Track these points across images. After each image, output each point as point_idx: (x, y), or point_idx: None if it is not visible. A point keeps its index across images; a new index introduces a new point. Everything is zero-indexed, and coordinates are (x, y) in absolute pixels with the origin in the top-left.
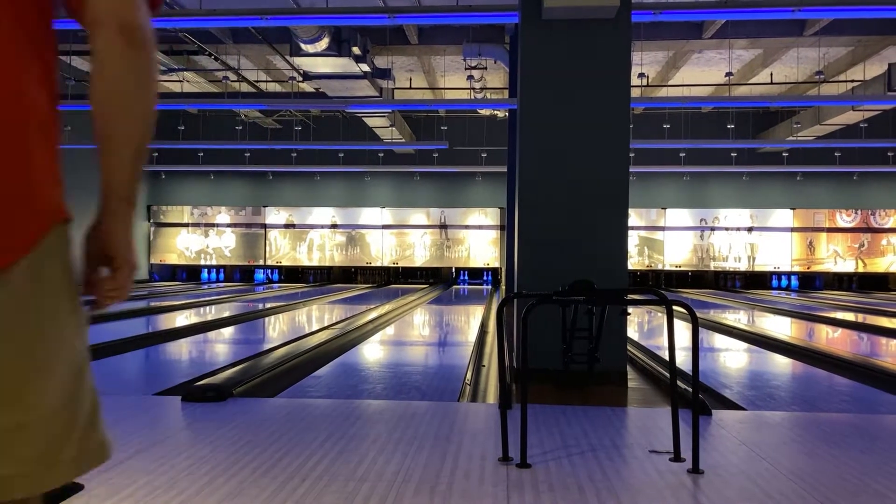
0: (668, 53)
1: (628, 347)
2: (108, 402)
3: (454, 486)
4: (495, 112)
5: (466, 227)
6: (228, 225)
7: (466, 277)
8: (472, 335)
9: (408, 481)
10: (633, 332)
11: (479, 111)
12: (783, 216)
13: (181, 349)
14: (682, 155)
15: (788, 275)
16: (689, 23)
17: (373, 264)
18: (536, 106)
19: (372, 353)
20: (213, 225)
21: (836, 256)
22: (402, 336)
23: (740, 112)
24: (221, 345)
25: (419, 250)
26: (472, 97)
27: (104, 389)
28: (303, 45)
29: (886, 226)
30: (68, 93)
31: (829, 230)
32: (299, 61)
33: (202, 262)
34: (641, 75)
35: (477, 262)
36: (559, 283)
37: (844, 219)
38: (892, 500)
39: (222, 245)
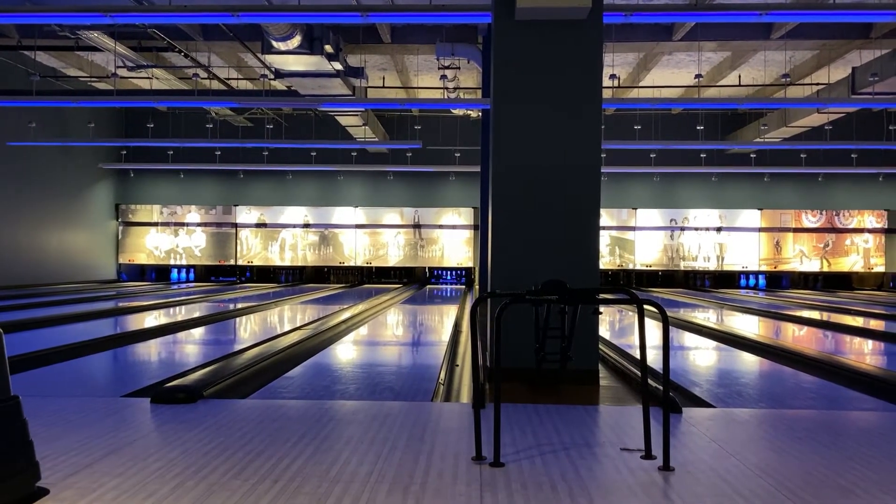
0: (639, 55)
1: (600, 346)
2: (75, 405)
3: (427, 485)
4: (469, 112)
5: (440, 226)
6: (199, 224)
7: (446, 276)
8: (446, 335)
9: (381, 481)
10: (604, 331)
11: (453, 111)
12: (751, 216)
13: (150, 350)
14: (652, 156)
15: (756, 274)
16: (659, 25)
17: (346, 264)
18: (509, 105)
19: (345, 353)
20: (182, 224)
21: (801, 256)
22: (376, 336)
23: (709, 114)
24: (192, 346)
25: (393, 250)
26: (446, 97)
27: (72, 391)
28: (274, 43)
29: (850, 226)
30: (33, 89)
31: (795, 230)
32: (271, 59)
33: (172, 262)
34: (613, 76)
35: (450, 261)
36: (532, 282)
37: (810, 219)
38: (857, 494)
39: (192, 244)
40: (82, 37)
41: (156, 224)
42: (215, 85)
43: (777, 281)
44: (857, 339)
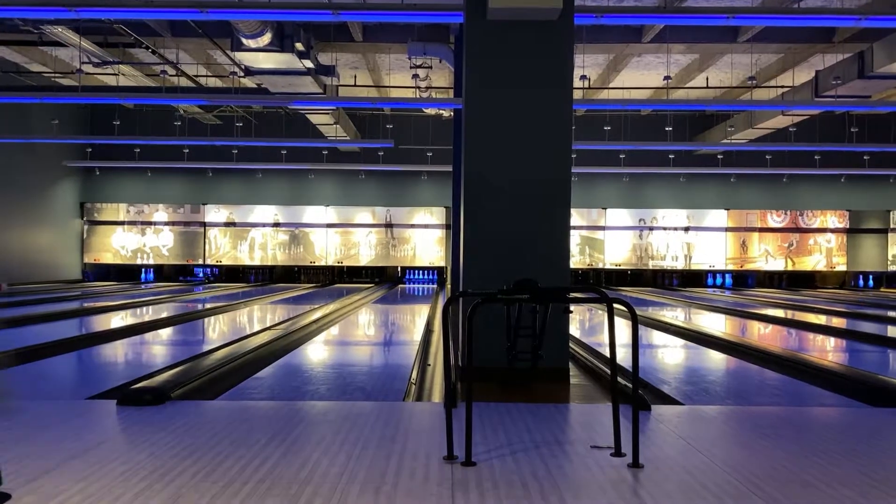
0: (609, 57)
1: (570, 345)
2: (39, 408)
3: (399, 485)
4: (441, 111)
5: (412, 226)
6: (166, 223)
7: (418, 276)
8: (418, 334)
9: (352, 482)
10: (574, 330)
11: (425, 110)
12: (718, 216)
13: (117, 351)
14: (621, 156)
15: (723, 273)
16: (629, 27)
17: (317, 263)
18: (481, 105)
19: (316, 353)
20: (150, 223)
21: (767, 255)
22: (347, 336)
23: (677, 115)
24: (159, 346)
25: (364, 249)
26: (418, 96)
27: (35, 394)
28: (244, 40)
29: (813, 226)
30: None
31: (761, 230)
32: (241, 56)
33: (139, 262)
34: (583, 77)
35: (423, 261)
36: (504, 281)
37: (775, 219)
38: (819, 488)
39: (160, 244)
40: (46, 31)
41: (122, 223)
42: (183, 82)
43: (743, 280)
44: (819, 337)
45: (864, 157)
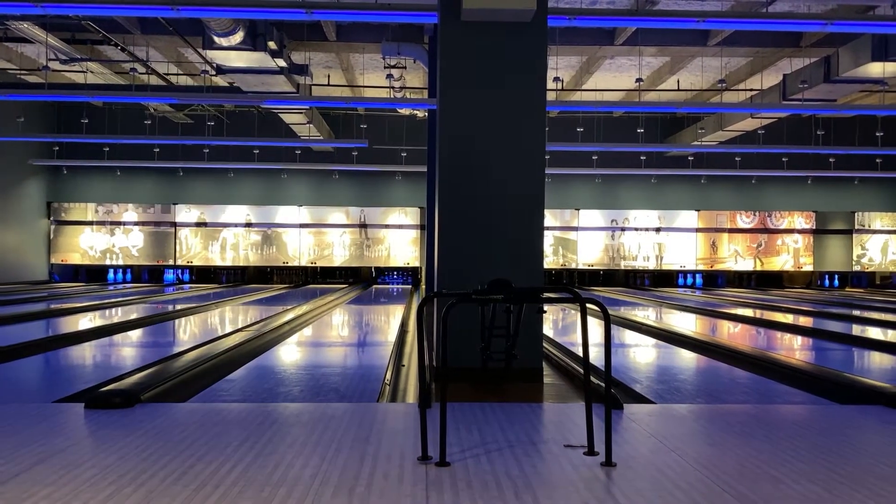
0: (582, 59)
1: (544, 344)
2: (3, 412)
3: (373, 487)
4: (415, 111)
5: (386, 226)
6: (136, 223)
7: (393, 276)
8: (392, 335)
9: (325, 484)
10: (548, 330)
11: (399, 110)
12: (688, 217)
13: (85, 353)
14: (594, 158)
15: (693, 273)
16: (602, 29)
17: (290, 264)
18: (455, 106)
19: (288, 355)
20: (119, 223)
21: (736, 255)
22: (321, 337)
23: (649, 117)
24: (129, 348)
25: (338, 250)
26: (392, 96)
27: (0, 397)
28: (216, 38)
29: (781, 227)
30: None
31: (731, 231)
32: (212, 55)
33: (108, 262)
34: (556, 79)
35: (397, 261)
36: (478, 281)
37: (744, 220)
38: (787, 483)
39: (129, 244)
40: (11, 27)
41: (91, 223)
42: (154, 80)
43: (713, 280)
44: (787, 336)
45: (830, 160)
